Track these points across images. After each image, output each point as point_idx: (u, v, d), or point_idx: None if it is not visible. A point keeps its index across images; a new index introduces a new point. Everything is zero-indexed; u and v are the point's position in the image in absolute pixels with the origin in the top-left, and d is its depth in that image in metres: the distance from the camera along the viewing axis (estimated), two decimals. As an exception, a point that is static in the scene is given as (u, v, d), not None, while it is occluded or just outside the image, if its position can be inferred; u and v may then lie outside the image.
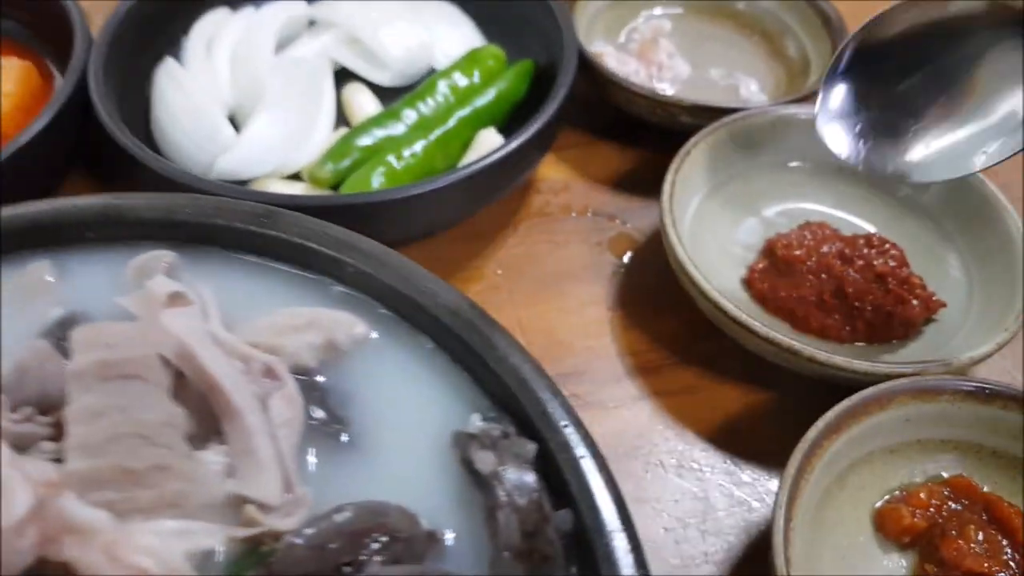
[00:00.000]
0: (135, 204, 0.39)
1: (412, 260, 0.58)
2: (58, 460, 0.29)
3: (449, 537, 0.30)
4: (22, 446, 0.30)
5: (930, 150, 0.51)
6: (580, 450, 0.31)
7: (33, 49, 0.68)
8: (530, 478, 0.30)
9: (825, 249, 0.55)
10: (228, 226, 0.38)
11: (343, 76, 0.68)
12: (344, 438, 0.33)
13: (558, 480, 0.31)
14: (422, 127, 0.62)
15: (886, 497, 0.47)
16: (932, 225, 0.59)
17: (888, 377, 0.47)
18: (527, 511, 0.29)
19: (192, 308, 0.35)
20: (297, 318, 0.35)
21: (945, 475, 0.47)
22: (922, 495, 0.45)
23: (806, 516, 0.43)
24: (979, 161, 0.49)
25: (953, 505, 0.46)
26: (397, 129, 0.62)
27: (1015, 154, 0.48)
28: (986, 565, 0.41)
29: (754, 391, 0.54)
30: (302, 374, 0.34)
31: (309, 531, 0.28)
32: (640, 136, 0.69)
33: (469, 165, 0.54)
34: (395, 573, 0.28)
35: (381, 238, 0.55)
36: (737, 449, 0.51)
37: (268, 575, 0.27)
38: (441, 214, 0.57)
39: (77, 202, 0.40)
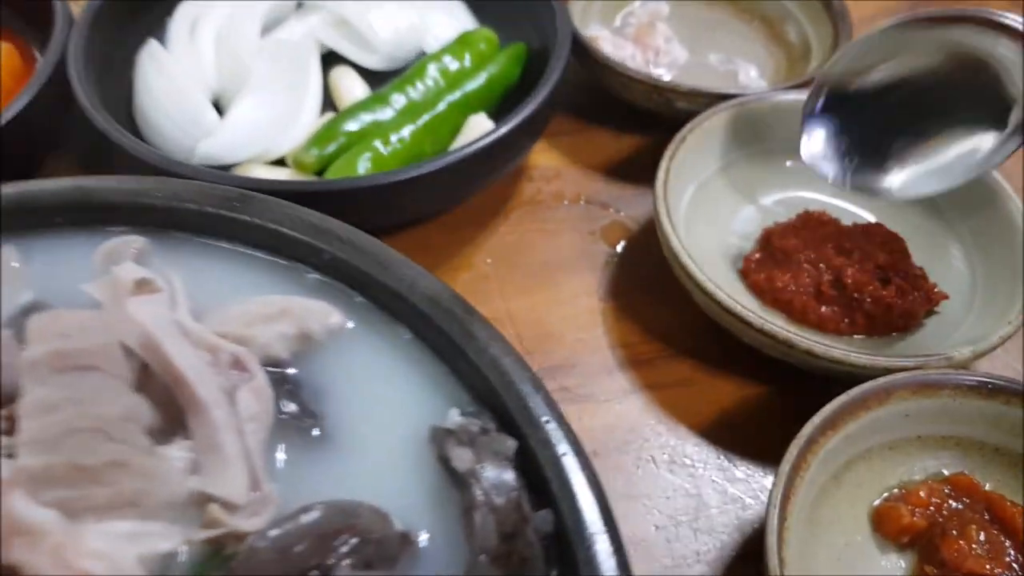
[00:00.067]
0: (103, 188, 0.38)
1: (396, 248, 0.58)
2: (12, 456, 0.28)
3: (423, 538, 0.29)
4: (-25, 441, 0.28)
5: (911, 167, 0.53)
6: (562, 447, 0.29)
7: (14, 31, 0.66)
8: (509, 476, 0.29)
9: (824, 239, 0.54)
10: (199, 211, 0.37)
11: (331, 59, 0.66)
12: (316, 433, 0.31)
13: (539, 478, 0.29)
14: (411, 112, 0.60)
15: (884, 495, 0.46)
16: (934, 214, 0.57)
17: (887, 371, 0.45)
18: (505, 511, 0.27)
19: (159, 296, 0.33)
20: (269, 307, 0.34)
21: (946, 473, 0.46)
22: (922, 493, 0.44)
23: (801, 515, 0.41)
24: (958, 174, 0.51)
25: (954, 504, 0.44)
26: (385, 114, 0.60)
27: (994, 166, 0.50)
28: (988, 567, 0.40)
29: (750, 384, 0.52)
30: (273, 366, 0.33)
31: (274, 532, 0.26)
32: (635, 122, 0.67)
33: (457, 151, 0.53)
34: (365, 576, 0.27)
35: (366, 225, 0.54)
36: (731, 444, 0.50)
37: (231, 578, 0.26)
38: (429, 201, 0.55)
39: (43, 185, 0.38)
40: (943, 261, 0.56)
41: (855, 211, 0.59)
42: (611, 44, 0.70)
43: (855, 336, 0.52)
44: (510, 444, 0.29)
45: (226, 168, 0.58)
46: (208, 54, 0.64)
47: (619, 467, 0.48)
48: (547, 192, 0.64)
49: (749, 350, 0.51)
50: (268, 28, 0.66)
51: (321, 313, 0.34)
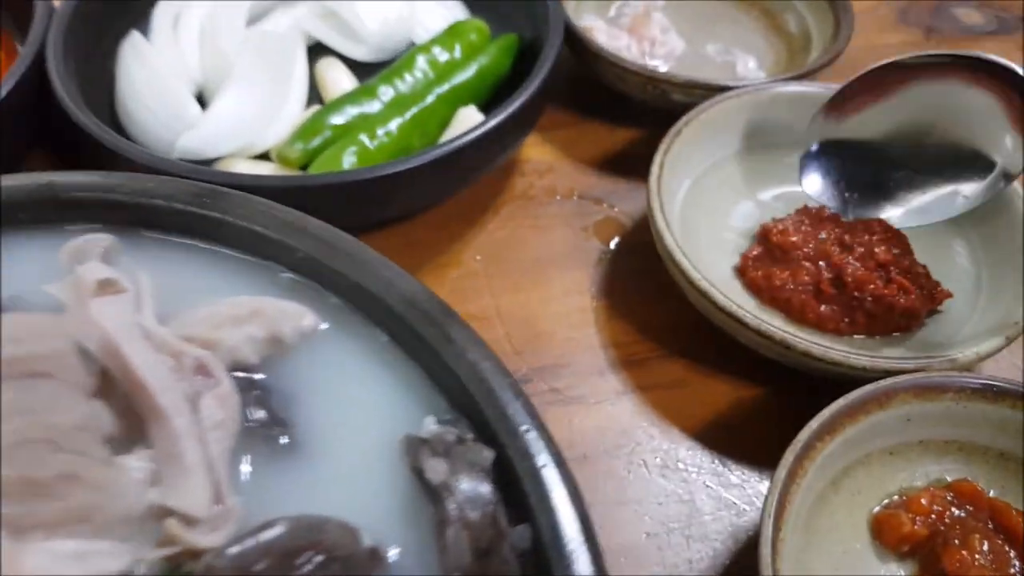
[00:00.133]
0: (70, 183, 0.36)
1: (382, 245, 0.55)
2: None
3: (394, 554, 0.27)
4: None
5: (911, 198, 0.54)
6: (542, 458, 0.28)
7: (-1, 25, 0.65)
8: (485, 489, 0.27)
9: (823, 235, 0.52)
10: (170, 208, 0.35)
11: (318, 51, 0.65)
12: (284, 442, 0.30)
13: (517, 491, 0.28)
14: (398, 104, 0.58)
15: (885, 502, 0.44)
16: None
17: (888, 373, 0.43)
18: (480, 527, 0.26)
19: (124, 297, 0.32)
20: (239, 308, 0.32)
21: (949, 479, 0.44)
22: (923, 500, 0.42)
23: (797, 523, 0.40)
24: (959, 204, 0.52)
25: (956, 512, 0.42)
26: (372, 107, 0.59)
27: (991, 197, 0.51)
28: (991, 578, 0.38)
29: (746, 386, 0.50)
30: (241, 370, 0.31)
31: (234, 550, 0.25)
32: (631, 115, 0.66)
33: (444, 144, 0.51)
34: (331, 596, 0.25)
35: (352, 221, 0.52)
36: (726, 448, 0.48)
37: (188, 599, 0.25)
38: (416, 196, 0.54)
39: (7, 181, 0.37)
40: (947, 258, 0.54)
41: (856, 206, 0.58)
42: (606, 35, 0.68)
43: (855, 336, 0.50)
44: (487, 455, 0.28)
45: (208, 162, 0.56)
46: (191, 46, 0.62)
47: (610, 472, 0.47)
48: (539, 187, 0.62)
49: (745, 350, 0.49)
50: (254, 20, 0.64)
51: (293, 315, 0.32)
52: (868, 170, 0.55)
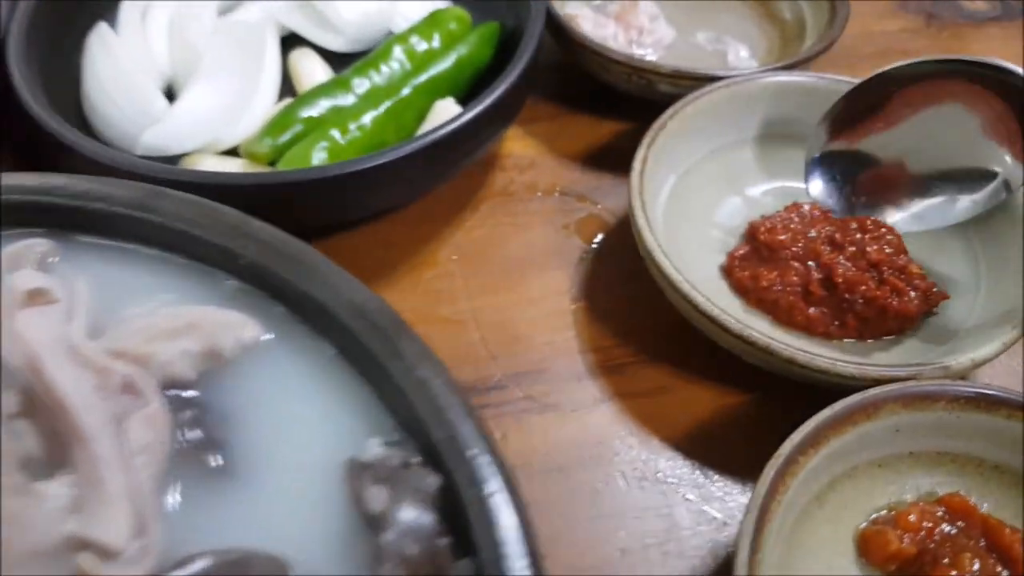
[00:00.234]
0: (5, 186, 0.34)
1: (354, 245, 0.54)
2: None
3: (327, 590, 0.25)
4: None
5: (916, 203, 0.53)
6: (490, 485, 0.26)
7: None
8: (427, 520, 0.25)
9: (813, 233, 0.50)
10: (108, 211, 0.33)
11: (294, 43, 0.62)
12: (219, 465, 0.28)
13: (464, 521, 0.26)
14: (373, 97, 0.56)
15: (873, 516, 0.42)
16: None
17: (877, 381, 0.41)
18: (418, 562, 0.24)
19: (54, 308, 0.30)
20: (175, 320, 0.30)
21: (940, 492, 0.42)
22: (912, 517, 0.40)
23: (778, 541, 0.38)
24: (959, 212, 0.51)
25: (947, 528, 0.40)
26: (346, 99, 0.56)
27: (992, 206, 0.50)
28: (982, 602, 0.36)
29: (730, 393, 0.48)
30: (175, 387, 0.29)
31: (150, 588, 0.23)
32: (617, 107, 0.63)
33: (415, 140, 0.49)
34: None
35: (319, 220, 0.51)
36: (708, 459, 0.46)
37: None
38: (386, 194, 0.51)
39: (-61, 183, 0.35)
40: (944, 257, 0.52)
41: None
42: (592, 23, 0.65)
43: (846, 340, 0.48)
44: (431, 481, 0.26)
45: (174, 159, 0.54)
46: (160, 38, 0.60)
47: (585, 484, 0.45)
48: (520, 183, 0.60)
49: (731, 355, 0.47)
50: (226, 11, 0.62)
51: (234, 326, 0.30)
52: (873, 174, 0.53)
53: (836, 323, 0.48)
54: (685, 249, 0.51)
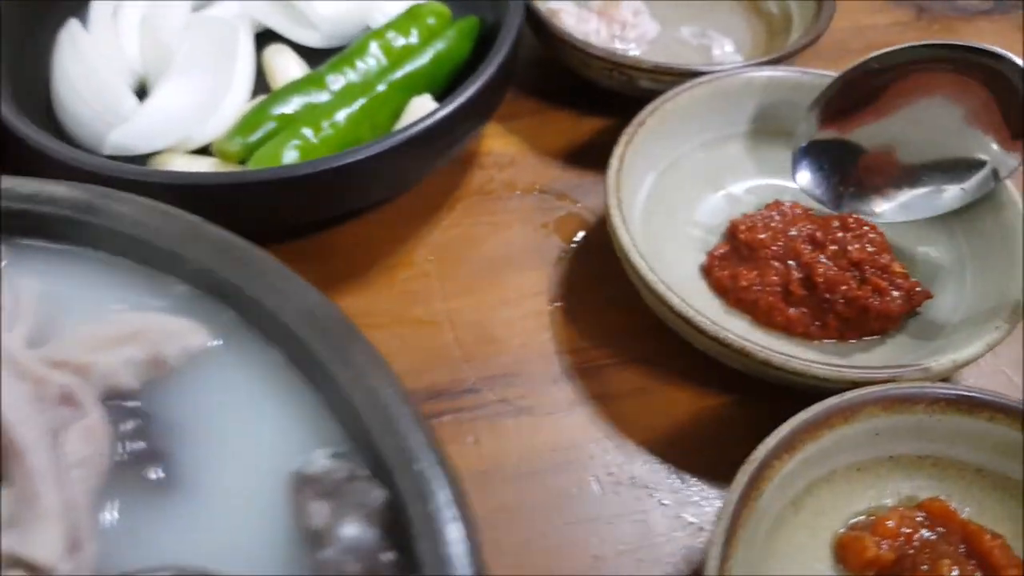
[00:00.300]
0: (-49, 188, 0.33)
1: (325, 245, 0.53)
2: None
3: (266, 610, 0.25)
4: None
5: (904, 192, 0.52)
6: (438, 499, 0.25)
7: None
8: (370, 536, 0.24)
9: (794, 232, 0.48)
10: (55, 214, 0.32)
11: (270, 39, 0.61)
12: (159, 478, 0.27)
13: (410, 537, 0.25)
14: (347, 94, 0.55)
15: (851, 522, 0.41)
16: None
17: (855, 384, 0.40)
18: (359, 580, 0.23)
19: (-6, 315, 0.29)
20: (118, 327, 0.29)
21: (921, 496, 0.41)
22: (890, 522, 0.39)
23: (751, 548, 0.37)
24: (946, 201, 0.50)
25: (927, 534, 0.39)
26: (320, 96, 0.55)
27: (982, 195, 0.49)
28: (960, 611, 0.35)
29: (708, 395, 0.47)
30: (118, 397, 0.28)
31: (78, 608, 0.22)
32: (600, 103, 0.62)
33: (388, 137, 0.48)
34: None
35: (288, 222, 0.50)
36: (685, 462, 0.45)
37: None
38: (358, 193, 0.50)
39: None
40: (929, 255, 0.51)
41: (833, 200, 0.54)
42: (575, 17, 0.64)
43: (827, 341, 0.47)
44: (376, 496, 0.25)
45: (143, 158, 0.54)
46: (132, 35, 0.59)
47: (558, 489, 0.44)
48: (499, 181, 0.58)
49: (709, 356, 0.46)
50: (199, 7, 0.61)
51: (180, 333, 0.29)
52: (861, 164, 0.52)
53: (817, 323, 0.47)
54: (664, 248, 0.50)
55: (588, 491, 0.44)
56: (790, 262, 0.48)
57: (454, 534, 0.24)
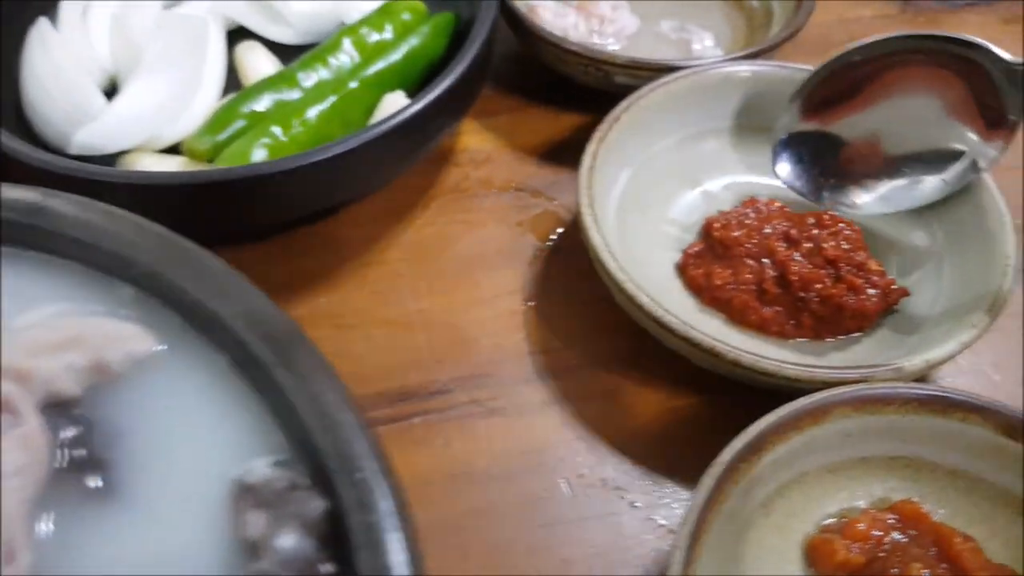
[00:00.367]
0: None
1: (296, 245, 0.52)
2: None
3: (202, 623, 0.24)
4: None
5: (889, 183, 0.51)
6: (379, 509, 0.24)
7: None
8: (307, 547, 0.24)
9: (768, 230, 0.48)
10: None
11: (243, 36, 0.61)
12: (98, 487, 0.26)
13: (350, 548, 0.24)
14: (319, 91, 0.54)
15: (826, 523, 0.40)
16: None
17: (826, 384, 0.39)
18: (294, 594, 0.23)
19: (-64, 321, 0.28)
20: (62, 332, 0.28)
21: (894, 498, 0.40)
22: (861, 525, 0.38)
23: (717, 552, 0.36)
24: (936, 189, 0.50)
25: (898, 536, 0.39)
26: (291, 94, 0.55)
27: (960, 187, 0.49)
28: (929, 615, 0.35)
29: (681, 395, 0.47)
30: (59, 404, 0.28)
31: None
32: (578, 99, 0.61)
33: (356, 135, 0.47)
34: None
35: (256, 221, 0.50)
36: (657, 464, 0.44)
37: None
38: (327, 192, 0.49)
39: None
40: (907, 252, 0.50)
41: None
42: (552, 12, 0.63)
43: (802, 340, 0.47)
44: (315, 506, 0.24)
45: (111, 157, 0.53)
46: (103, 33, 0.58)
47: (528, 492, 0.43)
48: (474, 178, 0.58)
49: (682, 357, 0.45)
50: (171, 7, 0.60)
51: (123, 338, 0.29)
52: (842, 155, 0.51)
53: (791, 322, 0.46)
54: (639, 246, 0.50)
55: (558, 493, 0.43)
56: (764, 260, 0.47)
57: (395, 544, 0.24)
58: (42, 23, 0.56)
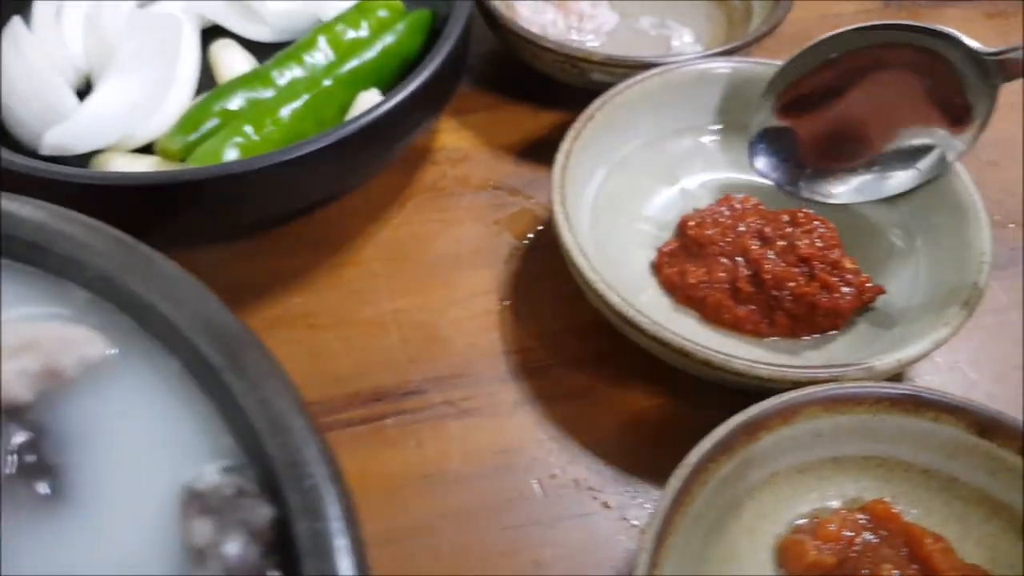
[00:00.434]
0: None
1: (270, 246, 0.52)
2: None
3: (147, 633, 0.24)
4: None
5: (863, 173, 0.51)
6: (326, 516, 0.24)
7: None
8: (252, 555, 0.23)
9: (743, 228, 0.47)
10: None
11: (218, 34, 0.60)
12: (48, 494, 0.26)
13: (297, 555, 0.24)
14: (293, 89, 0.54)
15: (797, 523, 0.40)
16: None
17: (796, 384, 0.39)
18: (237, 601, 0.22)
19: None
20: (13, 337, 0.28)
21: (867, 498, 0.40)
22: (832, 526, 0.38)
23: (686, 554, 0.36)
24: (910, 178, 0.49)
25: (869, 536, 0.38)
26: (265, 92, 0.54)
27: (930, 179, 0.49)
28: (898, 617, 0.35)
29: (655, 394, 0.46)
30: (10, 410, 0.27)
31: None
32: (557, 97, 0.61)
33: (326, 134, 0.46)
34: None
35: (227, 222, 0.49)
36: (630, 464, 0.44)
37: None
38: (300, 191, 0.49)
39: None
40: (883, 250, 0.50)
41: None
42: (530, 9, 0.63)
43: (776, 338, 0.46)
44: (262, 512, 0.24)
45: (82, 158, 0.52)
46: (76, 33, 0.58)
47: (500, 493, 0.43)
48: (451, 177, 0.57)
49: (655, 356, 0.45)
50: (145, 5, 0.60)
51: (77, 343, 0.28)
52: (817, 147, 0.51)
53: (766, 321, 0.46)
54: (615, 245, 0.49)
55: (531, 494, 0.43)
56: (738, 259, 0.47)
57: (342, 551, 0.23)
58: (15, 23, 0.56)
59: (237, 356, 0.27)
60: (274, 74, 0.55)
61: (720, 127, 0.55)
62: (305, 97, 0.53)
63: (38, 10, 0.58)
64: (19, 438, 0.27)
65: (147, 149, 0.54)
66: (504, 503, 0.43)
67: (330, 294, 0.51)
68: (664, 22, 0.64)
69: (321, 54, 0.57)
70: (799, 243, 0.46)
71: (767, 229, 0.47)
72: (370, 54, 0.56)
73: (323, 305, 0.50)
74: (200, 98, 0.55)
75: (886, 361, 0.40)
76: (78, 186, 0.43)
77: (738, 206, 0.49)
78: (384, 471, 0.44)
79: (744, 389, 0.41)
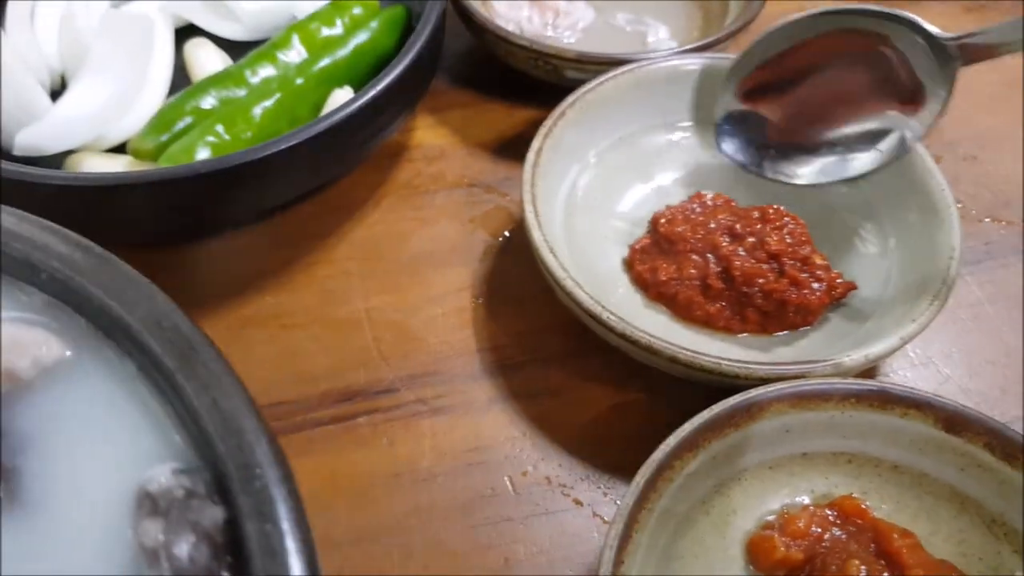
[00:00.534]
0: None
1: (245, 244, 0.52)
2: None
3: (96, 635, 0.24)
4: None
5: (827, 154, 0.50)
6: (275, 516, 0.24)
7: None
8: (204, 557, 0.23)
9: (713, 224, 0.47)
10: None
11: (194, 33, 0.60)
12: (2, 497, 0.26)
13: (247, 557, 0.24)
14: (266, 88, 0.54)
15: (768, 519, 0.40)
16: (848, 191, 0.51)
17: (764, 380, 0.39)
18: (184, 603, 0.22)
19: None
20: (-32, 340, 0.28)
21: (837, 494, 0.40)
22: (800, 522, 0.38)
23: (653, 551, 0.36)
24: (872, 159, 0.49)
25: (838, 532, 0.38)
26: (238, 91, 0.54)
27: (891, 161, 0.48)
28: (863, 613, 0.35)
29: (627, 391, 0.46)
30: (-36, 412, 0.27)
31: None
32: (533, 94, 0.61)
33: (296, 132, 0.46)
34: None
35: (200, 221, 0.49)
36: (602, 461, 0.44)
37: None
38: (272, 190, 0.48)
39: None
40: (855, 245, 0.50)
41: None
42: (507, 5, 0.63)
43: (748, 335, 0.46)
44: (212, 514, 0.24)
45: (55, 158, 0.52)
46: (50, 34, 0.58)
47: (471, 490, 0.43)
48: (427, 174, 0.57)
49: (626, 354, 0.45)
50: (118, 5, 0.60)
51: (32, 345, 0.28)
52: (781, 130, 0.51)
53: (736, 317, 0.46)
54: (588, 242, 0.49)
55: (503, 491, 0.43)
56: (709, 255, 0.47)
57: (291, 552, 0.23)
58: (-12, 23, 0.56)
59: (189, 358, 0.27)
60: (247, 73, 0.55)
61: (693, 123, 0.55)
62: (278, 96, 0.53)
63: (12, 10, 0.57)
64: (-27, 441, 0.27)
65: (121, 149, 0.54)
66: (476, 500, 0.43)
67: (304, 293, 0.51)
68: (640, 18, 0.64)
69: (295, 52, 0.57)
70: (769, 239, 0.46)
71: (738, 226, 0.47)
72: (343, 52, 0.56)
73: (296, 304, 0.50)
74: (173, 98, 0.54)
75: (854, 357, 0.40)
76: (51, 187, 0.43)
77: (709, 203, 0.49)
78: (356, 470, 0.44)
79: (714, 386, 0.41)
